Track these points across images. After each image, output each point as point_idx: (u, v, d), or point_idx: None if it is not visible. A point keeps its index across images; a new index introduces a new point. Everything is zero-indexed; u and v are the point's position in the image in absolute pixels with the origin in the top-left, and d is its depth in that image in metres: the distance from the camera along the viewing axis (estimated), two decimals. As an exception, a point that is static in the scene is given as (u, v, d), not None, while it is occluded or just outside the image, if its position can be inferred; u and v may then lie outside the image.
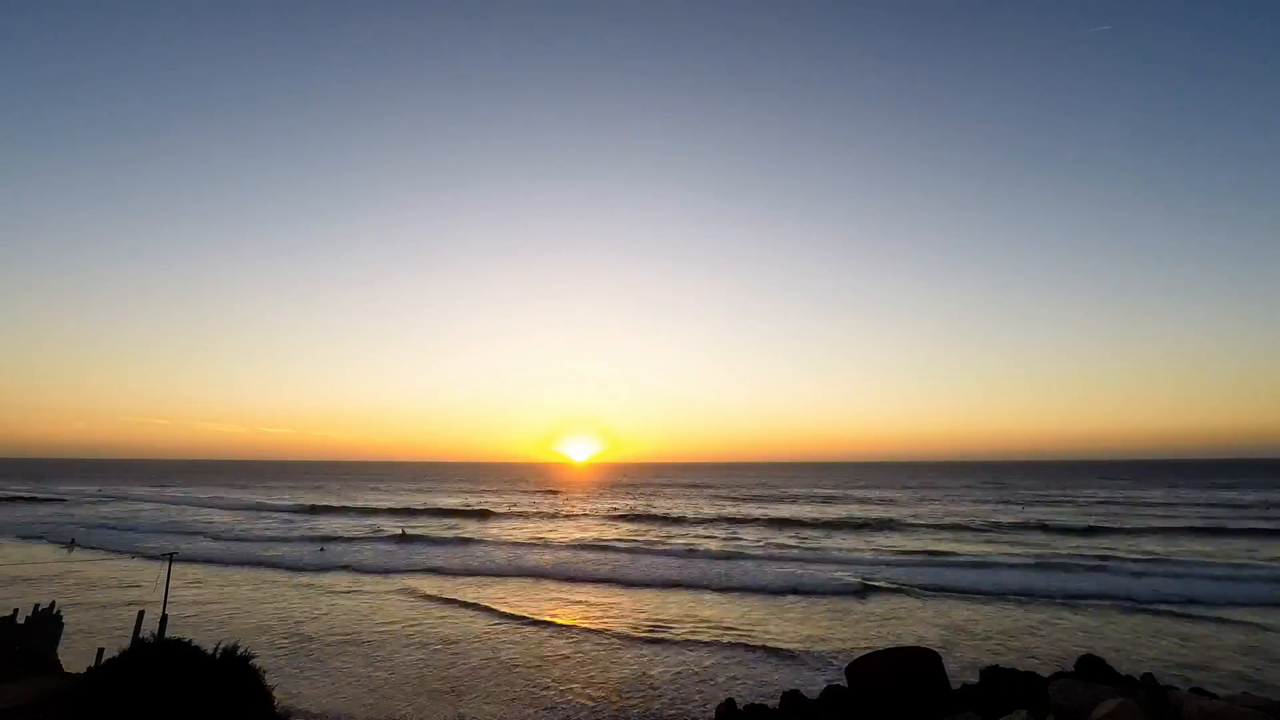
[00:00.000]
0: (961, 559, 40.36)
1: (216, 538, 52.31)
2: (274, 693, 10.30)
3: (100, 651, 15.24)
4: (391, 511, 77.19)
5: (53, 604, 17.90)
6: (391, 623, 25.45)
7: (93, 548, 46.30)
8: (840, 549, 45.72)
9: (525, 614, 26.91)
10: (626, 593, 31.87)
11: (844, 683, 14.15)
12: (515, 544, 48.54)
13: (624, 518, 70.02)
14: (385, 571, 37.76)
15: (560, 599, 30.46)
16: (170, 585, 22.29)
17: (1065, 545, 46.77)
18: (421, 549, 45.78)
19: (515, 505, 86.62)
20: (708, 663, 20.34)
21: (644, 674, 19.30)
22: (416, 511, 77.59)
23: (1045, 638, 23.31)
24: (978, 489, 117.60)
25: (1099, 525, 57.94)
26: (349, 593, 31.67)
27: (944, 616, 26.51)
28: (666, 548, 45.58)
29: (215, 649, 9.44)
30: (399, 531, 53.93)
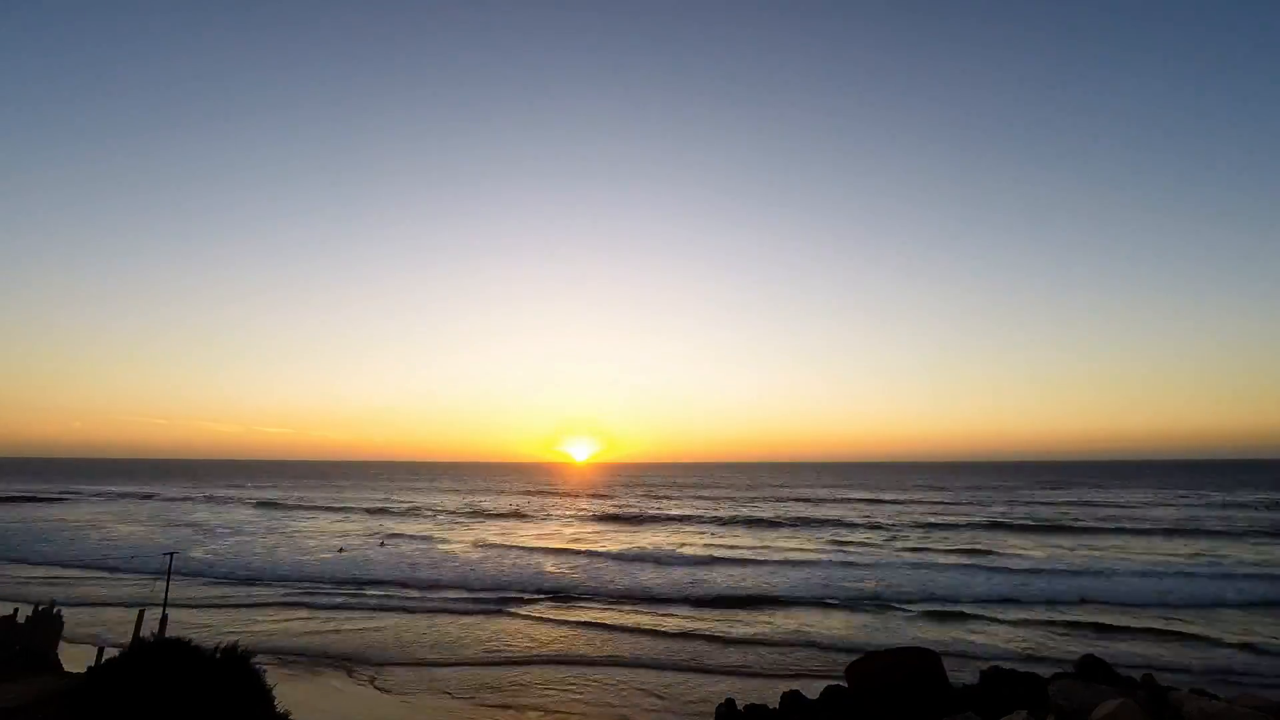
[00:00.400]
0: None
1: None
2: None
3: (100, 651, 15.25)
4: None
5: (53, 604, 17.91)
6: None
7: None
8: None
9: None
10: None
11: (844, 683, 14.14)
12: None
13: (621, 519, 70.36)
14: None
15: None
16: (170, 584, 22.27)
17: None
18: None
19: (508, 507, 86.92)
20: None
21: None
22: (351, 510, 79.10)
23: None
24: (963, 490, 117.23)
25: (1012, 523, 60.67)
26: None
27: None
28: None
29: (215, 648, 9.45)
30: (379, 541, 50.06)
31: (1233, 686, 17.51)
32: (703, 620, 26.61)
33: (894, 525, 60.76)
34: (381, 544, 47.48)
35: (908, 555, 43.23)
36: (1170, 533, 53.67)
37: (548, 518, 72.36)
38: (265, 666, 10.29)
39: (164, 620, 18.13)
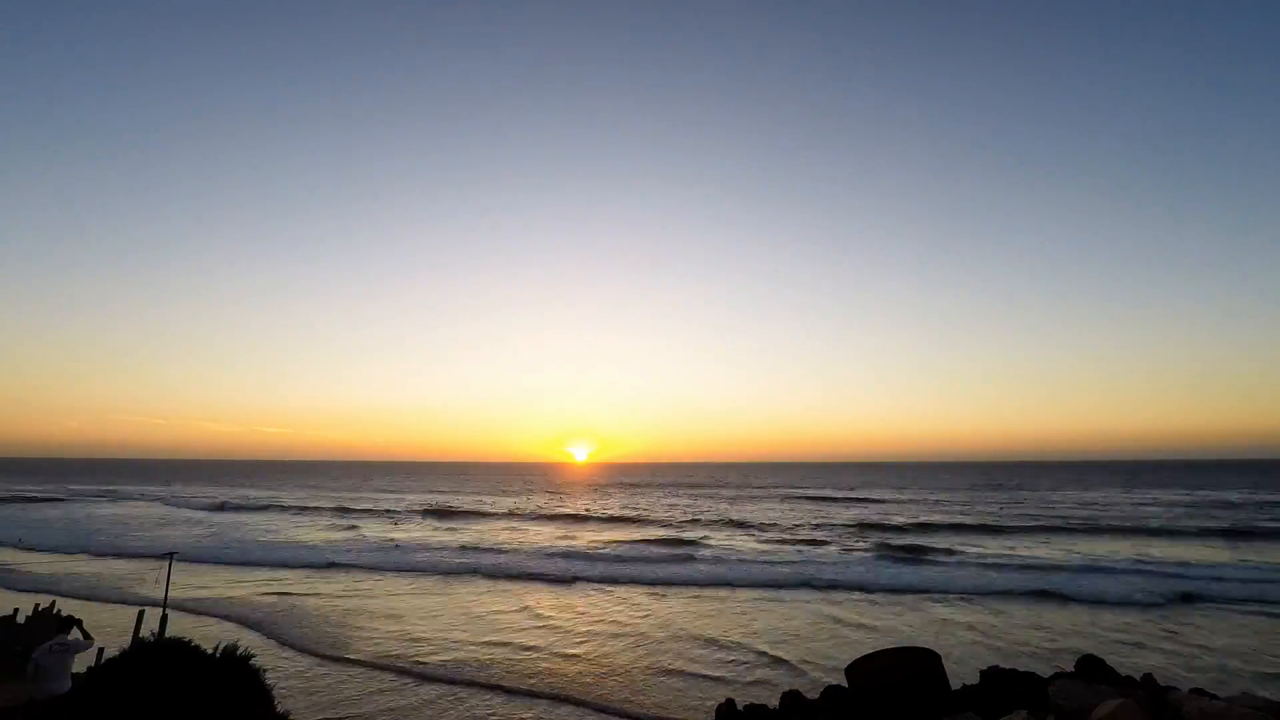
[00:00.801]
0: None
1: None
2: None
3: (100, 651, 15.24)
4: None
5: (53, 604, 17.91)
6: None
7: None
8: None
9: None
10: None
11: (844, 683, 14.14)
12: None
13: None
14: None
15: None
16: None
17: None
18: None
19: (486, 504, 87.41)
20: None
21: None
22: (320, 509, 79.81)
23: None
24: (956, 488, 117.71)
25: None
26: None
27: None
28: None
29: (215, 648, 9.46)
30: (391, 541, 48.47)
31: (1233, 686, 17.53)
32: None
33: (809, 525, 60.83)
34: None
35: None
36: (1099, 531, 54.47)
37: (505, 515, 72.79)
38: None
39: (164, 620, 18.11)
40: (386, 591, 30.97)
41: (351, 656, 20.64)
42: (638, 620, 25.64)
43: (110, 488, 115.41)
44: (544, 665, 19.99)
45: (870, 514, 72.57)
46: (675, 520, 65.46)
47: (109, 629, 20.74)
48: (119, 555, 41.46)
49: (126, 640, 13.23)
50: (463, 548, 44.03)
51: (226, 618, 25.61)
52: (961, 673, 16.21)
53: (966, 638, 23.18)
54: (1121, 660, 18.13)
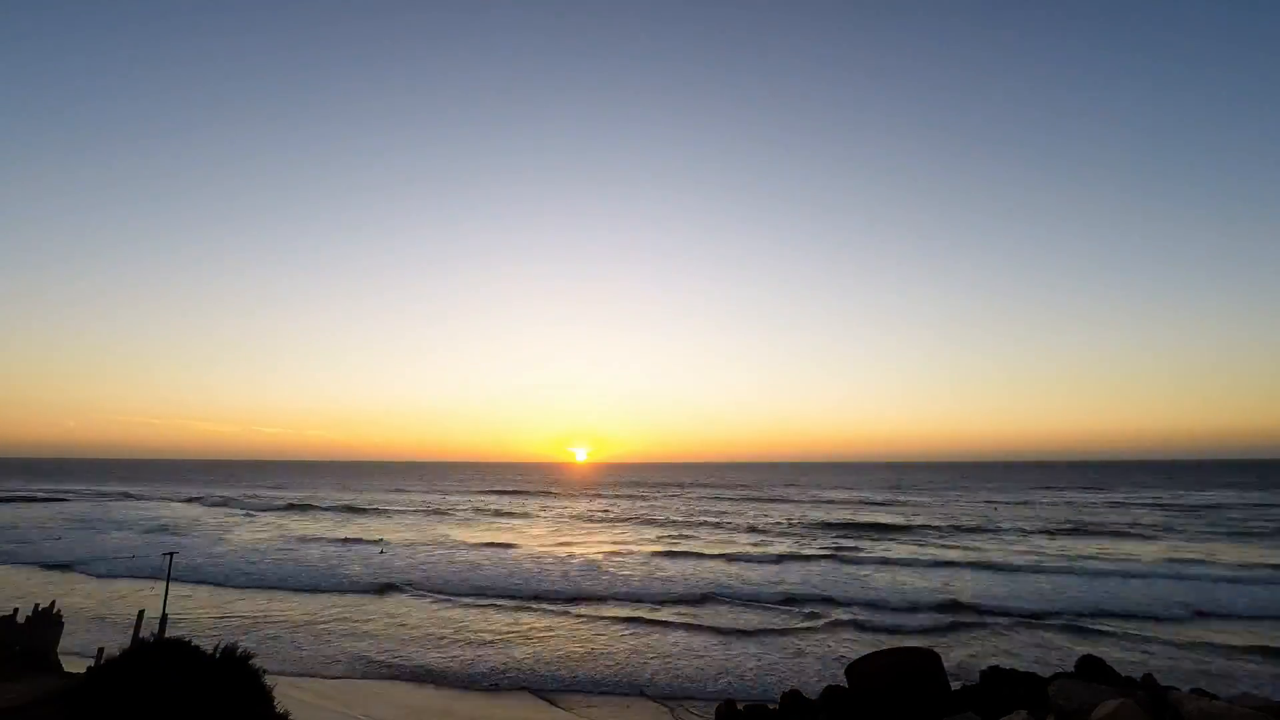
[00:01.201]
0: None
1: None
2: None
3: (100, 651, 15.24)
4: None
5: (53, 604, 17.90)
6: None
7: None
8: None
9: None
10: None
11: (844, 683, 14.14)
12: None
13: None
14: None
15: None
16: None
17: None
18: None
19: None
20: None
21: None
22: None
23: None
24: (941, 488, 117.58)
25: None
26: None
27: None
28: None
29: (215, 648, 9.45)
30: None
31: (1232, 686, 17.52)
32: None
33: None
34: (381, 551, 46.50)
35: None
36: (1053, 532, 55.45)
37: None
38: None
39: (164, 620, 18.14)
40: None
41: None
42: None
43: (184, 490, 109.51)
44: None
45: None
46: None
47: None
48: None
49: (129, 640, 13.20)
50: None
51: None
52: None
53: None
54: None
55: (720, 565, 39.71)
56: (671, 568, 38.64)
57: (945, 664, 13.80)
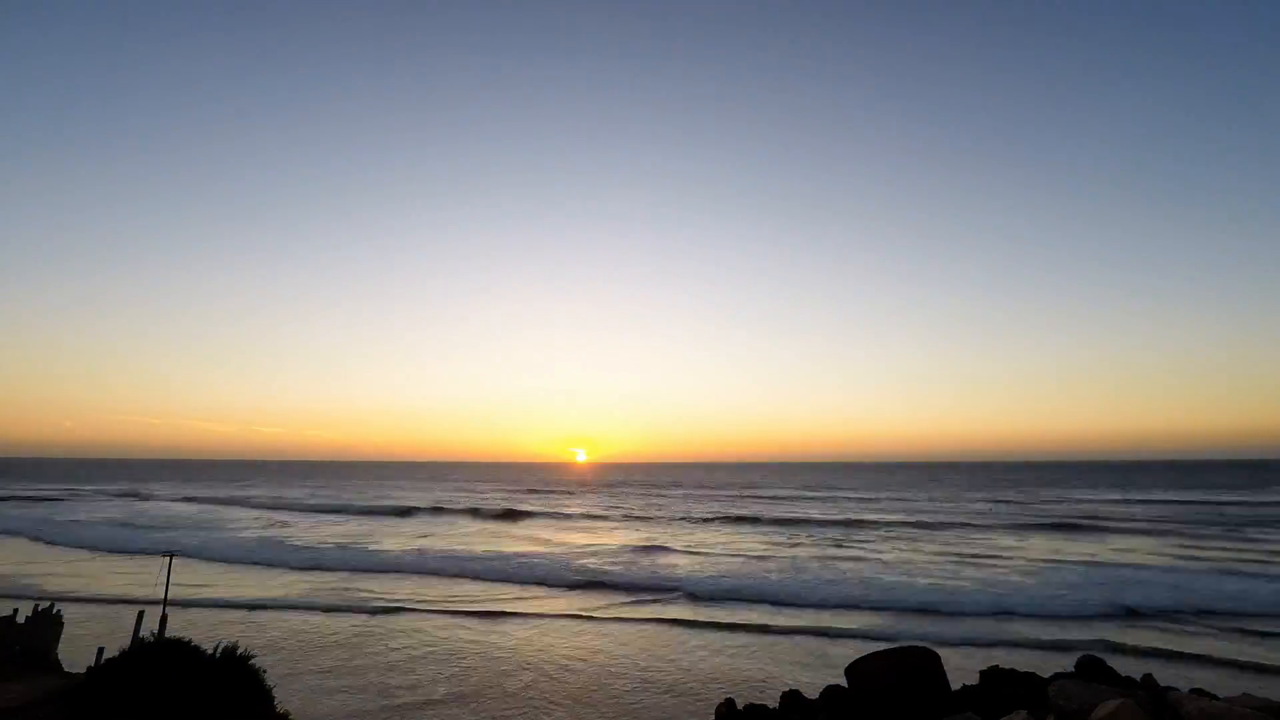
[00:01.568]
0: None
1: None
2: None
3: (100, 651, 15.23)
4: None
5: (52, 604, 17.89)
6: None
7: None
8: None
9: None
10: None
11: (844, 683, 14.14)
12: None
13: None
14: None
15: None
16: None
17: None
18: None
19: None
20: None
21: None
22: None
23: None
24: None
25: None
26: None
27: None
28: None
29: (215, 648, 9.45)
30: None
31: (1231, 686, 17.53)
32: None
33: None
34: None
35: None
36: (1009, 529, 57.94)
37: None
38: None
39: (164, 620, 18.11)
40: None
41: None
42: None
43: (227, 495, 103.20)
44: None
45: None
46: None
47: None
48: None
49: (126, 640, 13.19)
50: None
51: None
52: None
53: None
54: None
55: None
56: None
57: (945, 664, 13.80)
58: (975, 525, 60.79)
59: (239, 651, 9.66)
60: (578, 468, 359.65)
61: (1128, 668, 14.93)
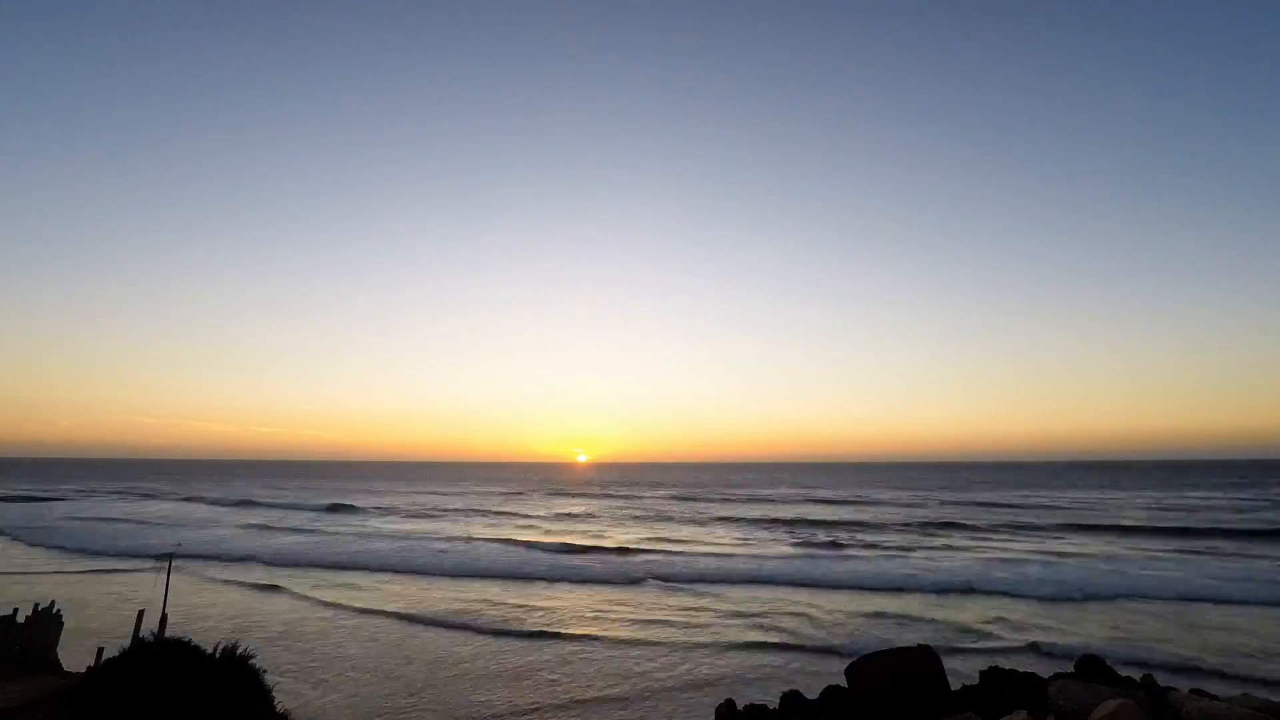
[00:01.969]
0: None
1: None
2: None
3: (100, 651, 15.23)
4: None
5: (52, 603, 17.89)
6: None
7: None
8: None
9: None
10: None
11: (844, 683, 14.13)
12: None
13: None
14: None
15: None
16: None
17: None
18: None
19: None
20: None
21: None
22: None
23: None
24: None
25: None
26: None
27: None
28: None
29: (215, 648, 9.43)
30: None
31: (1232, 685, 17.53)
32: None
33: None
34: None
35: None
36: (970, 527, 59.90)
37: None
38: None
39: (164, 620, 18.12)
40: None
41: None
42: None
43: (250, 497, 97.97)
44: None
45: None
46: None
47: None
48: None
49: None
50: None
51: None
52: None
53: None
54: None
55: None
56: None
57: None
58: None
59: (239, 651, 9.65)
60: (579, 467, 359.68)
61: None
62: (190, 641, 9.61)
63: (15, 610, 17.16)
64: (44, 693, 12.71)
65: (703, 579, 35.08)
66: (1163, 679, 14.07)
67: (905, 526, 60.54)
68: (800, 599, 30.29)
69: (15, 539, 51.14)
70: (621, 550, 45.22)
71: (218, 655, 9.22)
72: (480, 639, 23.78)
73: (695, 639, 23.89)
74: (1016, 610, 27.97)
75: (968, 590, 31.89)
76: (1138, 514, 68.80)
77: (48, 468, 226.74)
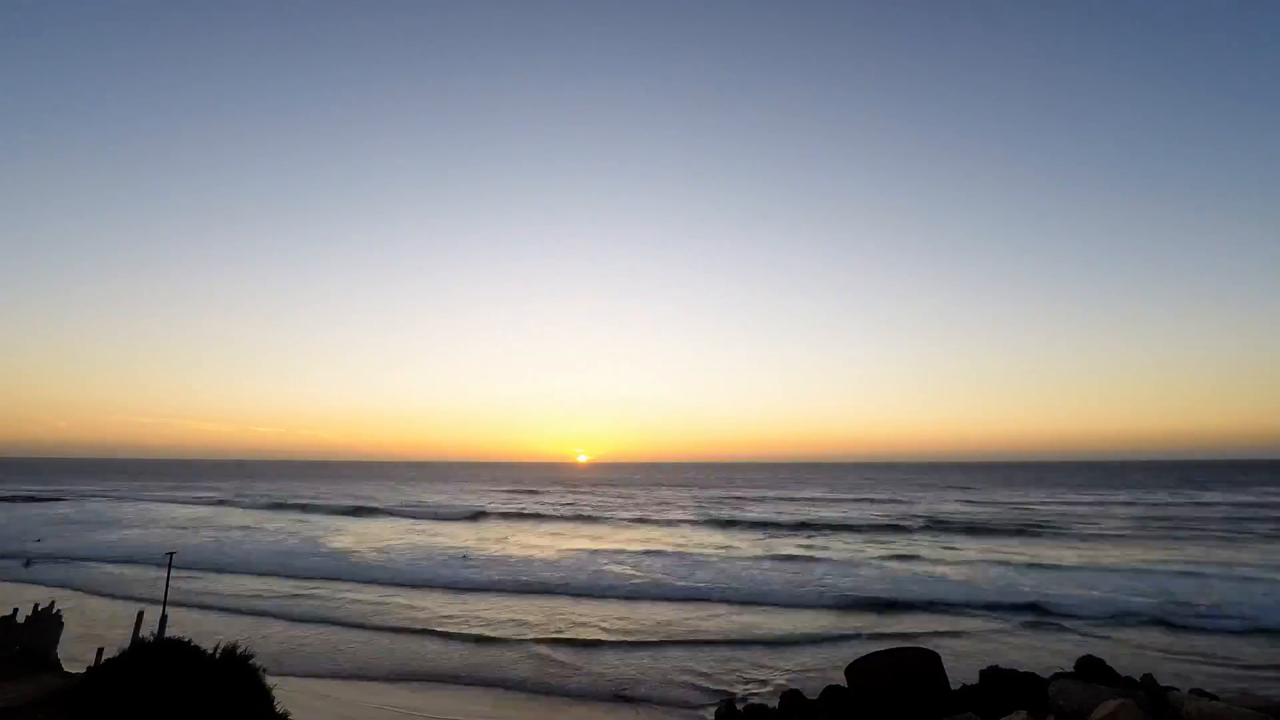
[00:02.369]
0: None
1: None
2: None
3: (100, 651, 15.22)
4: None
5: (52, 603, 17.88)
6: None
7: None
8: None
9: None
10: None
11: (844, 683, 14.14)
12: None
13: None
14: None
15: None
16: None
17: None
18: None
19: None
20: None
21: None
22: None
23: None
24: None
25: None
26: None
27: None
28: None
29: (215, 648, 9.43)
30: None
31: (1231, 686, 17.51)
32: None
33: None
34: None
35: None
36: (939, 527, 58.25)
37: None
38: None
39: (164, 620, 18.09)
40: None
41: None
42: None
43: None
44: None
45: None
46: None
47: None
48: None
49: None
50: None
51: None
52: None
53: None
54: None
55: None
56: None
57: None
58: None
59: (239, 651, 9.65)
60: (579, 467, 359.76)
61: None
62: (190, 642, 9.61)
63: (15, 610, 17.15)
64: (44, 693, 12.71)
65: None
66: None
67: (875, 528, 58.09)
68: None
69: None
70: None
71: (218, 655, 9.22)
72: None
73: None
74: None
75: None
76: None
77: (45, 468, 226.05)
